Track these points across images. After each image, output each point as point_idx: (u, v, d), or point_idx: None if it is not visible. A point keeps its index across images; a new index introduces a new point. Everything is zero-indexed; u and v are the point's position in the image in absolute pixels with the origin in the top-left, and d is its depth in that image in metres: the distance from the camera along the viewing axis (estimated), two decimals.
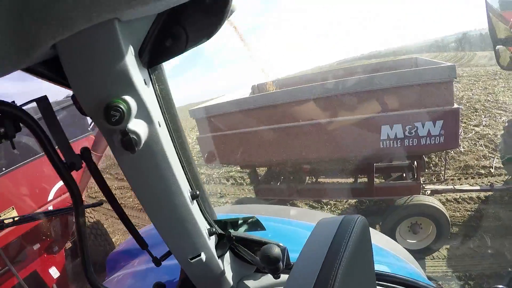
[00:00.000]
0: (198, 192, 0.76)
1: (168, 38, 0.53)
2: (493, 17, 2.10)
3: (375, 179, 4.21)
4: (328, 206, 5.06)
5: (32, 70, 0.50)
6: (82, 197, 0.70)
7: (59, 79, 0.51)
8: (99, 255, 3.86)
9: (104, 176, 0.69)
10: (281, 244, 1.01)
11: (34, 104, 0.59)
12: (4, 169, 2.94)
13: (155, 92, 0.61)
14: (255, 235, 1.03)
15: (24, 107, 0.59)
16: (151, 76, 0.59)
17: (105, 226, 5.35)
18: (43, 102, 0.58)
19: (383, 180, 4.64)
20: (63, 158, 0.62)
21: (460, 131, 6.78)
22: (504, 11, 2.08)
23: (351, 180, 4.57)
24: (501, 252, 3.60)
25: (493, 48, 2.07)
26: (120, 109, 0.47)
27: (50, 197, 3.27)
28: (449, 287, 3.42)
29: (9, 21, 0.39)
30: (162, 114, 0.63)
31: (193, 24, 0.53)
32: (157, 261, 0.86)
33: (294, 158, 3.67)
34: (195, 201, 0.76)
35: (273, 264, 0.91)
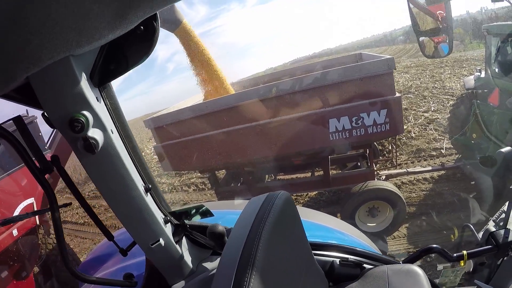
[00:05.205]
0: (150, 186, 0.89)
1: (112, 63, 0.68)
2: (416, 11, 2.31)
3: (332, 171, 4.38)
4: None
5: (8, 96, 0.64)
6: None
7: (30, 101, 0.64)
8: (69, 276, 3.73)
9: None
10: (228, 227, 1.15)
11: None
12: None
13: (106, 106, 0.75)
14: (209, 223, 1.14)
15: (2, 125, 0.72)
16: (102, 93, 0.73)
17: (71, 246, 5.23)
18: (18, 120, 0.70)
19: (340, 171, 4.84)
20: (37, 165, 0.73)
21: (410, 117, 7.24)
22: (430, 6, 2.27)
23: (308, 174, 4.72)
24: (457, 224, 3.87)
25: (417, 40, 2.28)
26: (81, 121, 0.62)
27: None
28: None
29: None
30: (114, 123, 0.77)
31: (131, 50, 0.68)
32: (123, 252, 0.95)
33: (249, 159, 3.75)
34: (149, 193, 0.88)
35: (218, 239, 1.06)
